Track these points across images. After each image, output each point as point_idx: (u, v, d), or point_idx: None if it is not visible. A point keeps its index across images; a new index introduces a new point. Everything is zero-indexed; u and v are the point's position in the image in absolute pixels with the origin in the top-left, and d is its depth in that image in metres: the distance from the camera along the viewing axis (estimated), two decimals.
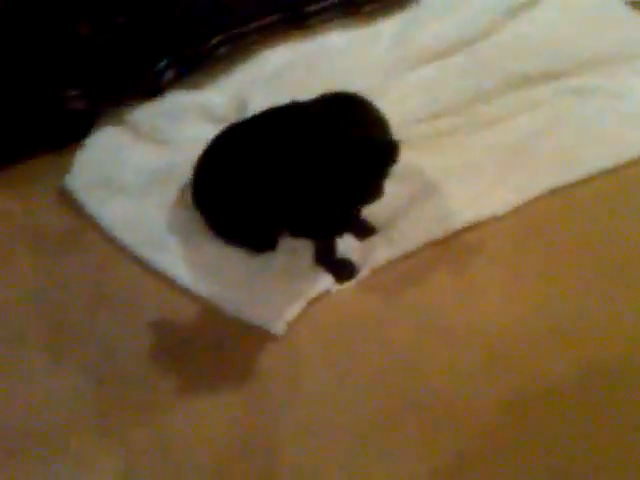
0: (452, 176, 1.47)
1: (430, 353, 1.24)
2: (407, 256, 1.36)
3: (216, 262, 1.38)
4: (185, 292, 1.35)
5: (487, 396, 1.18)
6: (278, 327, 1.28)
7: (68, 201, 1.51)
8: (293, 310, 1.30)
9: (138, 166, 1.56)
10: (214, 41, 1.67)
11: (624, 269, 1.34)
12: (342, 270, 1.34)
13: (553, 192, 1.44)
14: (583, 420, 1.14)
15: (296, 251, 1.37)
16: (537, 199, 1.43)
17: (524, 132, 1.57)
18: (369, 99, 1.22)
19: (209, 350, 1.28)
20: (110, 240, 1.43)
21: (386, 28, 1.82)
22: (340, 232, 1.24)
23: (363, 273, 1.35)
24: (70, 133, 1.60)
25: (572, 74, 1.67)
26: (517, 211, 1.42)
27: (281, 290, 1.33)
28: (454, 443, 1.13)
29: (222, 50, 1.69)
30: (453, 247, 1.38)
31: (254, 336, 1.28)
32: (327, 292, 1.33)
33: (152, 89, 1.65)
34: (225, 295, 1.33)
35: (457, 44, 1.75)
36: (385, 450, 1.13)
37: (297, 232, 1.24)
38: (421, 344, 1.25)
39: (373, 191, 1.16)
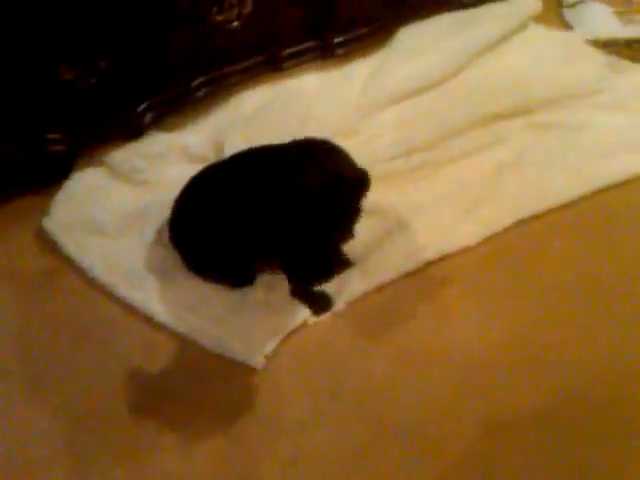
0: (424, 209, 1.52)
1: (406, 381, 1.26)
2: (382, 288, 1.39)
3: (194, 299, 1.40)
4: (165, 329, 1.36)
5: (463, 422, 1.20)
6: (257, 361, 1.29)
7: (46, 242, 1.52)
8: (272, 344, 1.31)
9: (116, 207, 1.58)
10: (194, 84, 1.71)
11: (592, 296, 1.38)
12: (318, 303, 1.35)
13: (520, 222, 1.49)
14: (556, 444, 1.16)
15: (273, 286, 1.40)
16: (505, 229, 1.48)
17: (492, 166, 1.62)
18: (337, 143, 1.28)
19: (190, 385, 1.28)
20: (89, 280, 1.45)
21: (359, 69, 1.88)
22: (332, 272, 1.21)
23: (339, 305, 1.37)
24: (49, 175, 1.63)
25: (537, 110, 1.74)
26: (487, 241, 1.46)
27: (259, 324, 1.35)
28: (431, 468, 1.14)
29: (201, 92, 1.73)
30: (426, 278, 1.41)
31: (234, 369, 1.29)
32: (304, 324, 1.35)
33: (132, 131, 1.68)
34: (204, 331, 1.34)
35: (427, 84, 1.81)
36: (366, 477, 1.14)
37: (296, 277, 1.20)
38: (397, 373, 1.27)
39: (345, 226, 1.20)
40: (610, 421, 1.19)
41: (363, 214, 1.21)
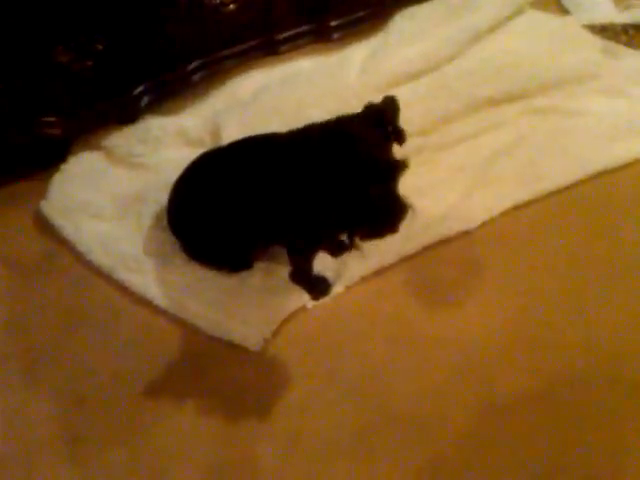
0: (422, 194, 1.51)
1: (403, 364, 1.27)
2: (380, 271, 1.40)
3: (193, 283, 1.40)
4: (162, 312, 1.36)
5: (460, 404, 1.21)
6: (256, 344, 1.30)
7: (44, 225, 1.52)
8: (270, 327, 1.32)
9: (114, 190, 1.58)
10: (190, 67, 1.70)
11: (589, 279, 1.39)
12: (317, 287, 1.37)
13: (518, 206, 1.50)
14: (549, 426, 1.18)
15: (271, 271, 1.40)
16: (503, 213, 1.49)
17: (489, 151, 1.62)
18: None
19: (188, 368, 1.29)
20: (86, 263, 1.44)
21: (356, 53, 1.87)
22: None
23: (338, 289, 1.38)
24: (47, 158, 1.62)
25: (534, 95, 1.74)
26: (485, 225, 1.47)
27: (258, 308, 1.35)
28: (428, 450, 1.16)
29: (197, 76, 1.72)
30: (425, 262, 1.42)
31: (233, 352, 1.30)
32: (303, 308, 1.36)
33: (129, 115, 1.67)
34: (202, 314, 1.34)
35: (424, 68, 1.80)
36: (364, 459, 1.16)
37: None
38: (395, 356, 1.28)
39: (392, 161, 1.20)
40: (607, 403, 1.21)
41: None
